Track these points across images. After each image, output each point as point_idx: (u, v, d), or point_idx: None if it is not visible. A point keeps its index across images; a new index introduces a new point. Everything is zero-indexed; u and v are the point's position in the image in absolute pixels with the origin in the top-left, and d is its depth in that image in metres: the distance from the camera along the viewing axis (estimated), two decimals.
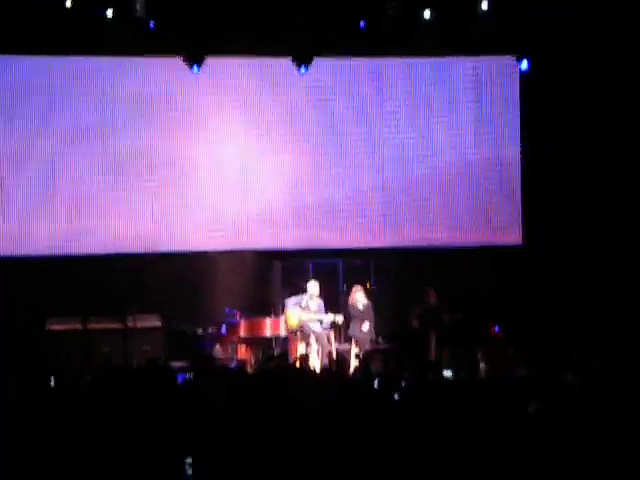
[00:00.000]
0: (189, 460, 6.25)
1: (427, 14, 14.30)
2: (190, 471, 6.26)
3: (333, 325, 14.56)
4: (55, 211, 14.69)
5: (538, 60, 15.14)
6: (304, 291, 14.53)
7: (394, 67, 15.53)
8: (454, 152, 15.66)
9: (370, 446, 6.51)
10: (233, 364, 13.57)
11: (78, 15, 13.65)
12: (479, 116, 15.70)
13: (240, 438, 6.54)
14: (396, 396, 7.88)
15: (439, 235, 15.62)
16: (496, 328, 14.62)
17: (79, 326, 14.21)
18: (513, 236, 15.75)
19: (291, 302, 14.44)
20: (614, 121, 15.26)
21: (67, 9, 13.59)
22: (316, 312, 14.37)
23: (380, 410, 7.13)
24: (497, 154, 15.73)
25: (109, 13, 13.75)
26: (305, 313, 14.27)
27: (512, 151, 15.75)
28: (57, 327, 14.15)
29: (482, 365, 10.92)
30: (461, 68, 15.65)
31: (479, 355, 12.78)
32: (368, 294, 14.77)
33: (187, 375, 9.75)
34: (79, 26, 13.78)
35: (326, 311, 14.48)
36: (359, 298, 14.57)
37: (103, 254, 14.70)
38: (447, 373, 10.44)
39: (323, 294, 14.68)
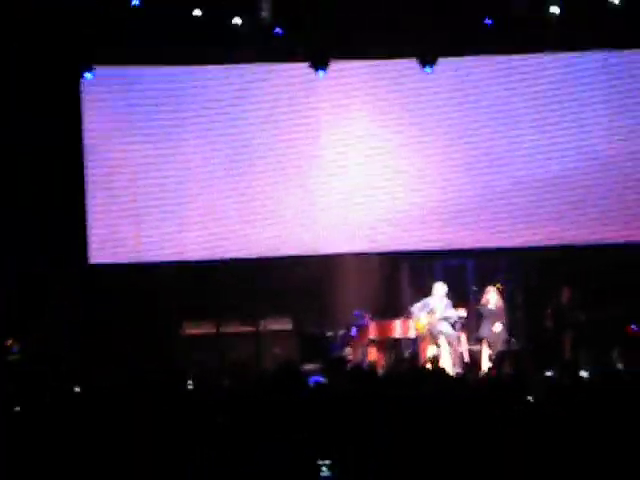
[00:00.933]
0: (325, 462, 6.25)
1: (555, 10, 14.05)
2: (327, 473, 6.27)
3: (462, 323, 14.41)
4: (188, 217, 14.95)
5: None
6: (431, 292, 14.42)
7: (524, 64, 15.27)
8: (588, 149, 15.28)
9: (504, 448, 6.44)
10: (364, 366, 13.58)
11: (206, 23, 13.87)
12: (613, 111, 15.32)
13: (373, 440, 6.54)
14: (530, 398, 7.75)
15: (576, 233, 15.28)
16: (634, 327, 14.26)
17: (214, 330, 14.46)
18: None
19: (416, 308, 14.35)
20: None
21: (195, 17, 13.84)
22: (443, 312, 14.24)
23: (511, 412, 7.05)
24: (634, 148, 15.32)
25: (237, 20, 13.93)
26: (431, 316, 14.15)
27: None
28: (193, 331, 14.43)
29: (620, 365, 10.68)
30: (592, 63, 15.32)
31: (617, 354, 12.55)
32: (500, 294, 14.60)
33: (321, 378, 9.79)
34: (207, 34, 13.99)
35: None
36: (491, 298, 14.41)
37: (235, 257, 14.89)
38: (584, 374, 10.23)
39: (452, 295, 14.57)
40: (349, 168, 15.21)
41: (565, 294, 14.40)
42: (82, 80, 14.51)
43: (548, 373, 9.78)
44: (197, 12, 13.82)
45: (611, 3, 13.91)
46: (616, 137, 15.31)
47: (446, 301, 14.37)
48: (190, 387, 8.62)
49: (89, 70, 14.34)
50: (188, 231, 14.92)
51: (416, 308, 14.31)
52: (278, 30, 14.08)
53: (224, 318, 14.54)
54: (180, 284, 14.48)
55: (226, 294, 14.46)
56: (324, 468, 6.26)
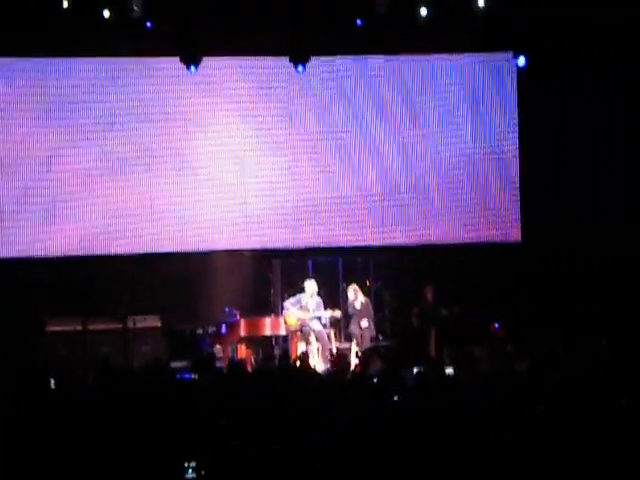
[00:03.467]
0: (192, 464, 6.21)
1: (423, 12, 14.27)
2: (192, 475, 6.22)
3: (333, 321, 14.58)
4: (54, 213, 14.68)
5: (535, 56, 15.14)
6: (303, 290, 14.55)
7: (389, 66, 15.53)
8: (452, 150, 15.66)
9: (373, 447, 6.52)
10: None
11: (75, 16, 13.64)
12: (477, 113, 15.71)
13: (240, 438, 6.54)
14: (395, 396, 7.87)
15: (437, 232, 15.63)
16: (496, 325, 14.64)
17: (79, 327, 14.23)
18: (512, 233, 15.75)
19: (289, 303, 14.46)
20: (612, 116, 15.27)
21: (64, 10, 13.58)
22: (315, 310, 14.39)
23: (380, 410, 7.14)
24: (495, 150, 15.74)
25: (106, 14, 13.73)
26: (304, 312, 14.29)
27: (510, 147, 15.76)
28: (57, 328, 14.16)
29: (482, 363, 10.91)
30: (458, 65, 15.65)
31: (479, 353, 12.80)
32: (365, 291, 14.81)
33: (191, 375, 9.74)
34: (76, 27, 13.76)
35: (325, 309, 14.51)
36: (357, 296, 14.61)
37: (101, 255, 14.71)
38: (448, 370, 10.43)
39: (323, 292, 14.71)
40: (222, 166, 15.18)
41: (428, 291, 14.69)
42: None
43: (415, 370, 9.94)
44: (65, 4, 13.55)
45: (476, 5, 14.19)
46: (480, 140, 15.69)
47: (317, 299, 14.50)
48: (52, 385, 8.48)
49: None
50: (57, 226, 14.65)
51: (289, 303, 14.40)
52: (149, 24, 13.91)
53: (91, 315, 14.30)
54: (47, 280, 14.21)
55: (94, 290, 14.25)
56: (190, 470, 6.22)
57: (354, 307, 14.57)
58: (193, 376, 9.98)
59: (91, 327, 14.26)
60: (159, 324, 14.58)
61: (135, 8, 13.66)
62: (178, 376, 9.42)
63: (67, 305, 14.18)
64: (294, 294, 14.62)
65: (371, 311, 14.69)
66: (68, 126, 14.76)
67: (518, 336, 13.60)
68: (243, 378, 9.20)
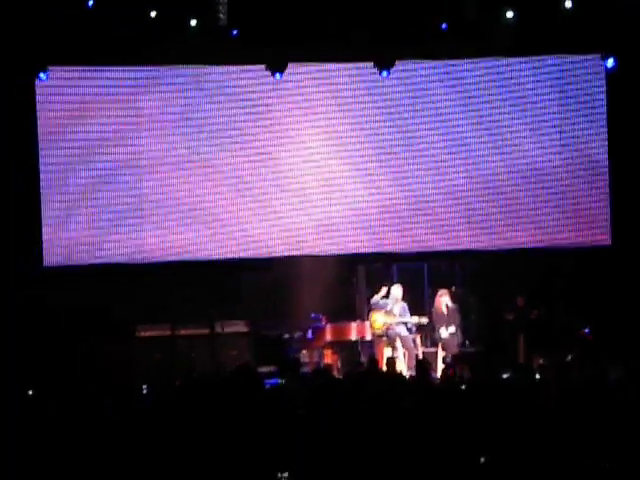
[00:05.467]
0: (285, 474, 6.15)
1: (509, 14, 14.15)
2: None
3: (418, 327, 14.52)
4: (140, 220, 14.87)
5: (624, 58, 14.89)
6: (388, 296, 14.52)
7: (478, 68, 15.40)
8: (539, 153, 15.47)
9: (454, 448, 6.48)
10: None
11: (163, 24, 13.82)
12: (565, 116, 15.50)
13: (332, 444, 6.53)
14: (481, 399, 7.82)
15: (525, 237, 15.45)
16: (586, 331, 14.42)
17: (168, 332, 14.40)
18: (602, 237, 15.51)
19: (375, 301, 14.42)
20: None
21: (152, 19, 13.78)
22: (401, 315, 14.36)
23: (464, 413, 7.10)
24: (584, 153, 15.52)
25: (193, 22, 13.89)
26: (389, 317, 14.26)
27: (599, 150, 15.52)
28: (147, 334, 14.36)
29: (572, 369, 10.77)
30: (545, 68, 15.47)
31: (569, 358, 12.66)
32: (453, 297, 14.70)
33: (279, 381, 9.78)
34: (163, 35, 13.94)
35: (411, 314, 14.46)
36: (444, 301, 14.53)
37: (191, 260, 14.84)
38: (537, 377, 10.31)
39: (408, 298, 14.65)
40: (305, 172, 15.21)
41: (519, 297, 14.53)
42: (37, 81, 14.37)
43: (504, 375, 9.85)
44: (153, 13, 13.75)
45: (564, 6, 14.01)
46: (568, 143, 15.49)
47: (402, 304, 14.46)
48: (145, 391, 8.59)
49: (43, 71, 14.21)
50: (145, 232, 14.83)
51: (374, 300, 14.38)
52: (234, 32, 14.04)
53: (180, 321, 14.47)
54: (136, 286, 14.38)
55: (182, 296, 14.40)
56: None
57: (440, 312, 14.48)
58: (280, 381, 10.03)
59: (180, 333, 14.43)
60: (246, 329, 14.69)
61: (220, 16, 13.80)
62: (265, 382, 9.47)
63: (157, 311, 14.36)
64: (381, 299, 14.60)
65: (458, 317, 14.58)
66: (153, 132, 14.92)
67: (609, 341, 13.38)
68: (329, 383, 9.22)
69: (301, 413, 7.45)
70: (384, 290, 14.56)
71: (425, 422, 6.94)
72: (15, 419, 6.13)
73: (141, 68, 14.78)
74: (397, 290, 14.52)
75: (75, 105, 14.71)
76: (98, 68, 14.64)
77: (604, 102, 15.47)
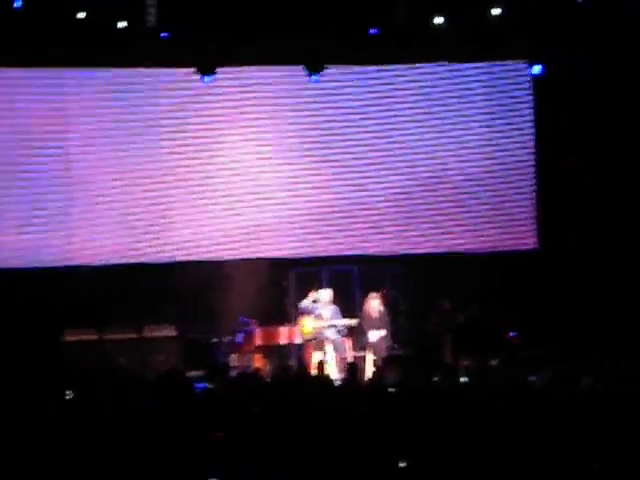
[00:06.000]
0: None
1: (439, 20, 14.27)
2: None
3: (349, 331, 14.55)
4: (69, 221, 14.72)
5: (551, 64, 15.11)
6: (317, 300, 14.53)
7: (405, 74, 15.54)
8: (467, 157, 15.66)
9: (386, 450, 6.52)
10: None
11: (90, 26, 13.68)
12: (491, 122, 15.70)
13: (262, 447, 6.53)
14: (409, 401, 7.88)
15: (453, 241, 15.61)
16: (512, 334, 14.60)
17: (95, 337, 14.26)
18: (529, 241, 15.73)
19: (304, 306, 14.43)
20: (630, 122, 15.21)
21: (79, 20, 13.64)
22: (331, 318, 14.37)
23: (394, 415, 7.15)
24: (510, 159, 15.74)
25: (122, 24, 13.77)
26: (319, 321, 14.28)
27: (526, 155, 15.74)
28: (73, 338, 14.20)
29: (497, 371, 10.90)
30: (473, 74, 15.65)
31: (494, 361, 12.81)
32: (384, 301, 14.77)
33: (207, 385, 9.73)
34: (91, 37, 13.80)
35: (342, 317, 14.49)
36: (374, 305, 14.59)
37: (117, 264, 14.72)
38: (463, 379, 10.41)
39: (338, 301, 14.69)
40: (236, 175, 15.19)
41: (446, 300, 14.66)
42: None
43: (432, 379, 9.92)
44: (81, 15, 13.60)
45: (491, 14, 14.18)
46: (495, 148, 15.70)
47: (333, 307, 14.48)
48: (69, 396, 8.49)
49: None
50: (72, 236, 14.68)
51: (303, 305, 14.39)
52: (165, 34, 13.96)
53: (107, 324, 14.33)
54: (62, 289, 14.22)
55: (109, 300, 14.26)
56: None
57: (370, 316, 14.54)
58: (208, 386, 9.98)
59: (107, 337, 14.30)
60: (175, 333, 14.60)
61: (150, 19, 13.70)
62: (197, 386, 9.41)
63: (83, 315, 14.20)
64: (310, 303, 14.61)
65: (388, 320, 14.65)
66: (84, 134, 14.77)
67: (535, 345, 13.55)
68: (257, 388, 9.20)
69: (229, 416, 7.43)
70: (312, 295, 14.57)
71: (352, 424, 6.97)
72: None
73: (69, 69, 14.62)
74: (326, 294, 14.54)
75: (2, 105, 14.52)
76: (26, 69, 14.46)
77: (531, 108, 15.70)
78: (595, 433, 6.45)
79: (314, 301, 14.52)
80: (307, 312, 14.40)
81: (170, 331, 14.64)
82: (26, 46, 13.77)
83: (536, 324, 14.65)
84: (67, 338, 14.19)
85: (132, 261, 14.80)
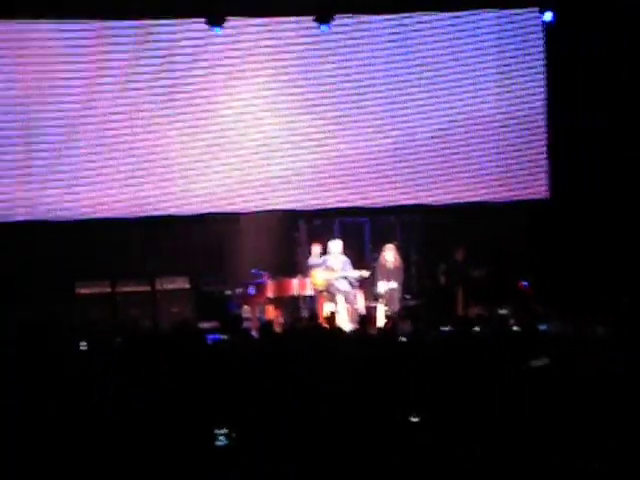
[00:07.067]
0: (224, 430, 6.10)
1: None
2: (224, 442, 6.13)
3: (360, 281, 14.55)
4: (78, 175, 14.72)
5: (562, 11, 14.97)
6: (327, 252, 14.53)
7: (416, 22, 15.41)
8: (477, 107, 15.58)
9: (398, 402, 6.53)
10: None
11: None
12: (503, 70, 15.59)
13: (274, 399, 6.54)
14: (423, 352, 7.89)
15: (464, 191, 15.58)
16: (524, 283, 14.60)
17: (108, 289, 14.34)
18: (539, 190, 15.68)
19: (312, 262, 14.44)
20: None
21: None
22: (342, 270, 14.37)
23: (407, 366, 7.16)
24: (522, 107, 15.65)
25: None
26: (329, 272, 14.28)
27: (537, 104, 15.65)
28: (86, 291, 14.27)
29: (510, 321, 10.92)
30: (484, 21, 15.52)
31: (507, 311, 12.82)
32: (398, 252, 14.76)
33: (220, 336, 9.78)
34: None
35: (354, 269, 14.50)
36: (389, 256, 14.58)
37: (130, 217, 14.75)
38: (475, 329, 10.44)
39: (350, 253, 14.69)
40: (248, 127, 15.15)
41: (459, 252, 14.65)
42: None
43: (443, 328, 9.96)
44: None
45: None
46: (506, 96, 15.60)
47: (344, 258, 14.47)
48: (83, 347, 8.54)
49: None
50: (81, 188, 14.69)
51: (312, 262, 14.40)
52: None
53: (120, 277, 14.41)
54: (75, 242, 14.28)
55: (122, 253, 14.33)
56: (221, 437, 6.13)
57: (385, 267, 14.54)
58: (222, 337, 10.04)
59: (120, 290, 14.38)
60: (188, 286, 14.67)
61: None
62: (210, 338, 9.47)
63: (96, 268, 14.27)
64: (322, 254, 14.61)
65: (401, 271, 14.66)
66: (89, 88, 14.72)
67: (547, 295, 13.55)
68: (273, 339, 9.25)
69: (242, 366, 7.47)
70: (318, 248, 14.54)
71: (364, 375, 7.00)
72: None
73: (84, 22, 14.54)
74: (336, 245, 14.52)
75: (13, 58, 14.46)
76: (38, 22, 14.40)
77: (542, 56, 15.58)
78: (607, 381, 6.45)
79: (324, 253, 14.52)
80: (317, 265, 14.40)
81: (183, 283, 14.70)
82: None
83: (548, 273, 14.65)
84: (80, 291, 14.28)
85: (145, 214, 14.82)
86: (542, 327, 9.05)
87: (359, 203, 15.49)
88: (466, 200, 15.55)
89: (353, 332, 10.86)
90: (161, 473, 5.88)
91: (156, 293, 14.46)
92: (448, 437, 5.98)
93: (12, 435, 5.97)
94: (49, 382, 6.96)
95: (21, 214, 14.49)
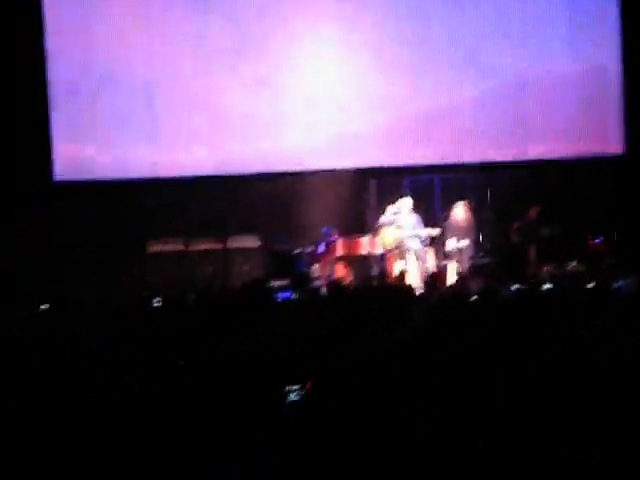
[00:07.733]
0: (295, 387, 6.12)
1: None
2: (295, 397, 6.15)
3: (431, 240, 14.47)
4: (154, 132, 14.80)
5: None
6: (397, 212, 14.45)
7: None
8: (550, 62, 15.30)
9: (471, 362, 6.48)
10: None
11: None
12: (576, 23, 15.28)
13: (343, 357, 6.54)
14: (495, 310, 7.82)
15: (537, 148, 15.36)
16: (597, 240, 14.39)
17: (181, 247, 14.48)
18: (615, 145, 15.41)
19: (383, 220, 14.37)
20: None
21: None
22: (413, 228, 14.29)
23: (479, 324, 7.10)
24: (596, 64, 15.34)
25: None
26: (400, 231, 14.20)
27: (612, 58, 15.33)
28: (158, 249, 14.42)
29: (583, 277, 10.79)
30: None
31: (579, 268, 12.67)
32: (470, 209, 14.64)
33: (290, 294, 9.82)
34: None
35: (425, 227, 14.43)
36: (460, 213, 14.48)
37: (203, 175, 14.82)
38: (547, 286, 10.34)
39: (420, 211, 14.60)
40: (316, 83, 15.07)
41: (532, 210, 14.49)
42: None
43: (514, 286, 9.88)
44: None
45: None
46: (579, 50, 15.31)
47: (415, 216, 14.37)
48: (157, 304, 8.63)
49: None
50: (155, 147, 14.79)
51: (384, 219, 14.34)
52: None
53: (192, 236, 14.53)
54: (146, 201, 14.41)
55: (194, 212, 14.44)
56: (292, 393, 6.15)
57: (456, 224, 14.44)
58: (292, 295, 10.08)
59: (192, 248, 14.50)
60: (258, 244, 14.74)
61: None
62: (280, 295, 9.52)
63: (169, 226, 14.41)
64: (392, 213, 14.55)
65: (473, 229, 14.55)
66: (162, 38, 14.71)
67: (622, 250, 13.36)
68: (342, 297, 9.25)
69: (311, 324, 7.49)
70: (391, 208, 14.47)
71: (435, 333, 6.96)
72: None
73: None
74: (407, 202, 14.41)
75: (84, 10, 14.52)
76: None
77: (617, 12, 15.24)
78: None
79: (394, 213, 14.44)
80: (388, 223, 14.33)
81: (254, 242, 14.78)
82: None
83: (623, 230, 14.43)
84: (152, 249, 14.43)
85: (216, 173, 14.88)
86: (616, 284, 8.91)
87: (430, 161, 15.35)
88: (538, 157, 15.33)
89: (423, 290, 10.83)
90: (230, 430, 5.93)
91: (228, 251, 14.56)
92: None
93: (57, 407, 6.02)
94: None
95: (91, 173, 14.61)
